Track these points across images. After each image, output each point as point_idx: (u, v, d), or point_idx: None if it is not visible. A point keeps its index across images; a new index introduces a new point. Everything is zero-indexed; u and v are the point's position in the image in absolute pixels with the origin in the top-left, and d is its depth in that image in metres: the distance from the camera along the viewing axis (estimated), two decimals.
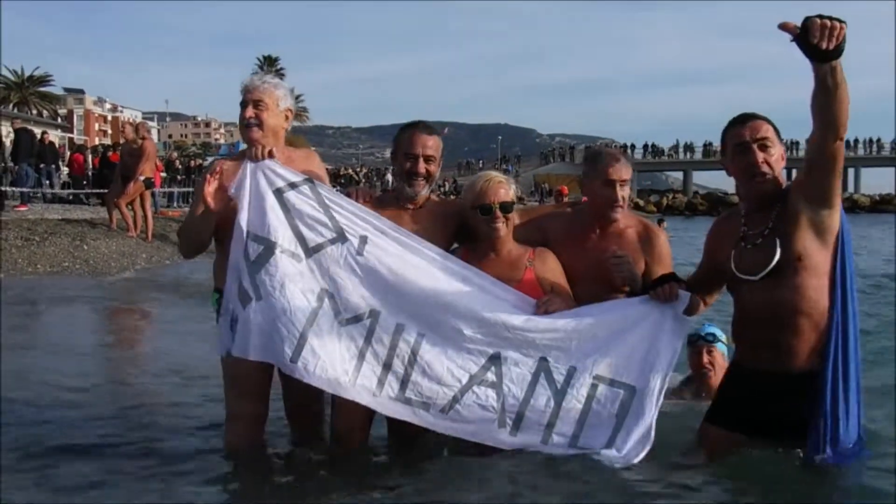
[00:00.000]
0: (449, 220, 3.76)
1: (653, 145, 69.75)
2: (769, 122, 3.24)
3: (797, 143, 52.16)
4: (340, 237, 3.45)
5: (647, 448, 3.31)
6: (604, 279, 3.57)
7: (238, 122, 3.79)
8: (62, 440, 4.05)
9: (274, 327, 3.33)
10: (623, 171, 3.63)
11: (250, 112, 3.67)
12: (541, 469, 3.28)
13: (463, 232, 3.76)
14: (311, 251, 3.44)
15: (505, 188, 3.59)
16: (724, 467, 3.32)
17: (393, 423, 3.61)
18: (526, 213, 3.87)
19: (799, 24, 2.72)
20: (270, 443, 3.88)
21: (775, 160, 3.19)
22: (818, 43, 2.69)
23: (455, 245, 3.77)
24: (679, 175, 79.01)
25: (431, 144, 3.67)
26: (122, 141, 16.83)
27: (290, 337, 3.32)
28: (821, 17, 2.69)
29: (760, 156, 3.16)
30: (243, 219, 3.43)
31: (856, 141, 66.30)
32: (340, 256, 3.43)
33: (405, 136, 3.70)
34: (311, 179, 3.53)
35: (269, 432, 3.85)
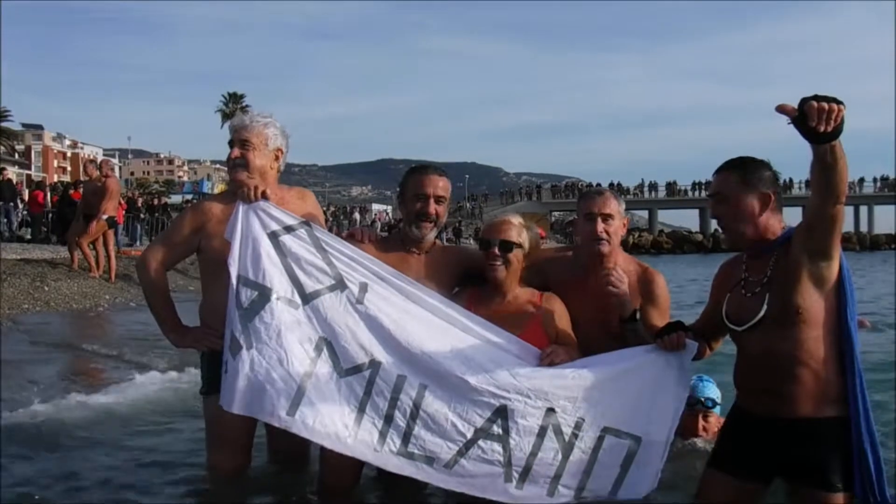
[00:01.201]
0: (454, 267, 3.70)
1: (618, 184, 70.71)
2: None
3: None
4: (339, 284, 3.30)
5: (648, 490, 3.33)
6: (602, 322, 3.54)
7: (215, 160, 3.62)
8: None
9: (269, 379, 3.16)
10: (603, 204, 3.61)
11: (236, 152, 3.59)
12: None
13: (470, 278, 3.68)
14: (308, 298, 3.28)
15: (514, 229, 3.52)
16: None
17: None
18: (527, 258, 3.75)
19: (797, 105, 2.68)
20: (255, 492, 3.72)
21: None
22: (816, 126, 2.66)
23: (457, 288, 3.68)
24: (644, 214, 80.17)
25: (442, 185, 3.62)
26: (83, 178, 16.40)
27: (287, 389, 3.15)
28: (817, 98, 2.65)
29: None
30: (234, 263, 3.26)
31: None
32: (340, 304, 3.28)
33: (416, 177, 3.63)
34: (307, 222, 3.39)
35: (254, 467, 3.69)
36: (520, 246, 3.51)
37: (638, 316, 3.45)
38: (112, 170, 14.10)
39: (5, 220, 20.98)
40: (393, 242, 3.72)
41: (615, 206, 3.63)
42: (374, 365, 3.24)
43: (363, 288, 3.30)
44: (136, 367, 7.19)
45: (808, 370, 3.04)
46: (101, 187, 13.14)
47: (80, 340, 8.83)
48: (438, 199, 3.59)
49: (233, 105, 74.71)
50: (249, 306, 3.23)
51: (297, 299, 3.27)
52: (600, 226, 3.57)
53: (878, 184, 68.07)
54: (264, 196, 3.37)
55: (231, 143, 3.62)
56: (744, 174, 3.18)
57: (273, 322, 3.20)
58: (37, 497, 3.67)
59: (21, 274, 12.32)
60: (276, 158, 3.67)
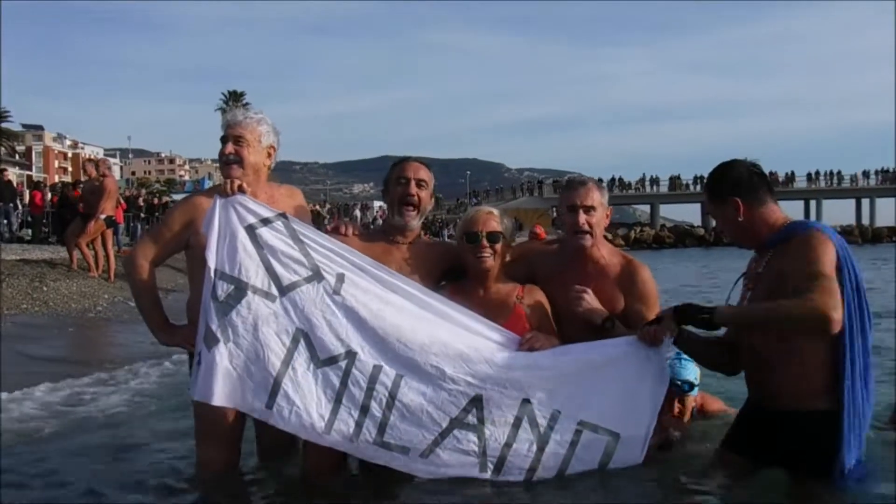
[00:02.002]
0: (438, 259, 3.72)
1: (620, 179, 70.56)
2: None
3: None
4: (316, 275, 3.34)
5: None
6: (584, 317, 3.53)
7: (217, 158, 3.67)
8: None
9: (247, 372, 3.23)
10: (586, 195, 3.57)
11: (230, 148, 3.58)
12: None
13: (453, 274, 3.71)
14: (285, 290, 3.32)
15: (494, 219, 3.57)
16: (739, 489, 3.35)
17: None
18: (513, 250, 3.76)
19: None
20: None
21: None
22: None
23: (443, 283, 3.70)
24: (646, 208, 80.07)
25: (423, 172, 3.67)
26: (83, 178, 16.33)
27: (264, 382, 3.23)
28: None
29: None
30: (211, 257, 3.31)
31: (817, 173, 67.82)
32: (316, 295, 3.32)
33: (397, 166, 3.72)
34: (284, 215, 3.42)
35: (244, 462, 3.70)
36: (504, 235, 3.55)
37: (609, 325, 3.45)
38: (109, 169, 14.06)
39: (5, 222, 20.90)
40: (377, 234, 3.76)
41: (597, 198, 3.58)
42: (351, 356, 3.26)
43: (340, 279, 3.32)
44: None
45: (789, 366, 3.07)
46: (98, 187, 13.12)
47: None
48: (419, 183, 3.63)
49: (233, 103, 74.62)
50: (225, 300, 3.26)
51: (274, 291, 3.29)
52: (582, 217, 3.54)
53: (880, 177, 67.89)
54: (241, 190, 3.39)
55: (224, 139, 3.59)
56: (710, 191, 3.32)
57: (249, 316, 3.24)
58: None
59: (20, 274, 12.31)
60: (269, 156, 3.67)
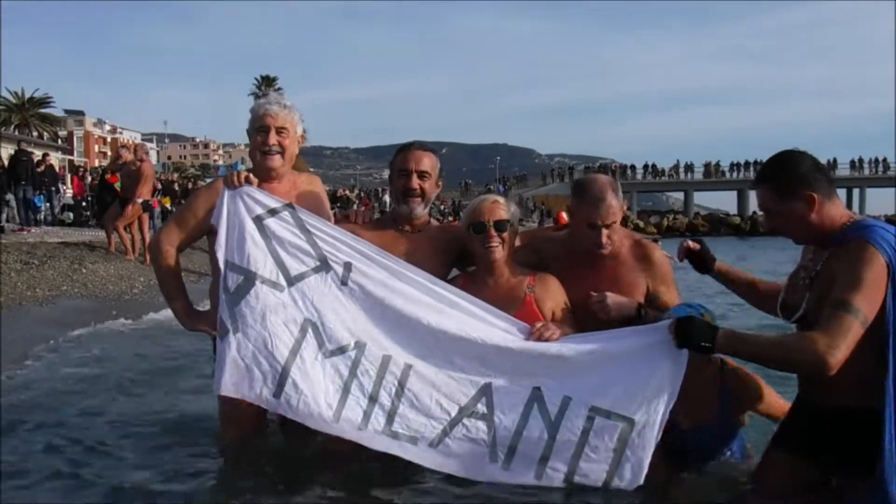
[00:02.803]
0: (448, 245, 3.67)
1: (653, 165, 69.60)
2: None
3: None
4: (324, 265, 3.36)
5: (640, 481, 3.19)
6: (617, 318, 3.41)
7: (253, 147, 3.67)
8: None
9: (255, 361, 3.26)
10: (607, 213, 3.40)
11: (273, 139, 3.60)
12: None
13: (464, 259, 3.68)
14: (293, 280, 3.35)
15: (501, 208, 3.50)
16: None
17: None
18: (523, 236, 3.73)
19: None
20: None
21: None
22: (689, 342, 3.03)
23: (455, 272, 3.68)
24: (680, 195, 78.92)
25: (426, 161, 3.62)
26: (111, 162, 16.69)
27: (272, 371, 3.25)
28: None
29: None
30: (221, 248, 3.35)
31: (860, 160, 66.33)
32: (324, 285, 3.34)
33: (400, 154, 3.67)
34: (291, 205, 3.44)
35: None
36: (511, 223, 3.50)
37: (644, 313, 3.37)
38: (147, 154, 14.41)
39: (48, 205, 21.44)
40: (386, 222, 3.75)
41: (616, 207, 3.43)
42: (360, 346, 3.29)
43: (347, 268, 3.34)
44: None
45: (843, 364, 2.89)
46: (135, 171, 13.40)
47: None
48: (422, 175, 3.59)
49: (265, 88, 75.11)
50: (235, 290, 3.29)
51: (282, 282, 3.32)
52: (605, 236, 3.43)
53: (871, 167, 66.19)
54: (248, 181, 3.41)
55: (264, 129, 3.59)
56: (777, 185, 3.05)
57: (258, 305, 3.27)
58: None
59: (61, 257, 12.65)
60: (298, 143, 3.71)
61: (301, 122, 3.70)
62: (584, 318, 3.47)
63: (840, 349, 2.75)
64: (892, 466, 2.85)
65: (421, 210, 3.64)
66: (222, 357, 3.26)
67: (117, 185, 14.38)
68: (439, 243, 3.65)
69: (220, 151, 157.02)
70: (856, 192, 65.57)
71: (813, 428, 3.09)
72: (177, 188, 28.88)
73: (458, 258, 3.69)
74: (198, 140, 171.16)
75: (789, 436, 3.25)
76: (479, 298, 3.37)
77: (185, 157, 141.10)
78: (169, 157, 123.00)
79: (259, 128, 3.61)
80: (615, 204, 3.43)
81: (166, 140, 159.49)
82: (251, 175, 3.45)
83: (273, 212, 3.38)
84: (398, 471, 3.36)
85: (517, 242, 3.58)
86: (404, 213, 3.63)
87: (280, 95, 3.78)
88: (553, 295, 3.50)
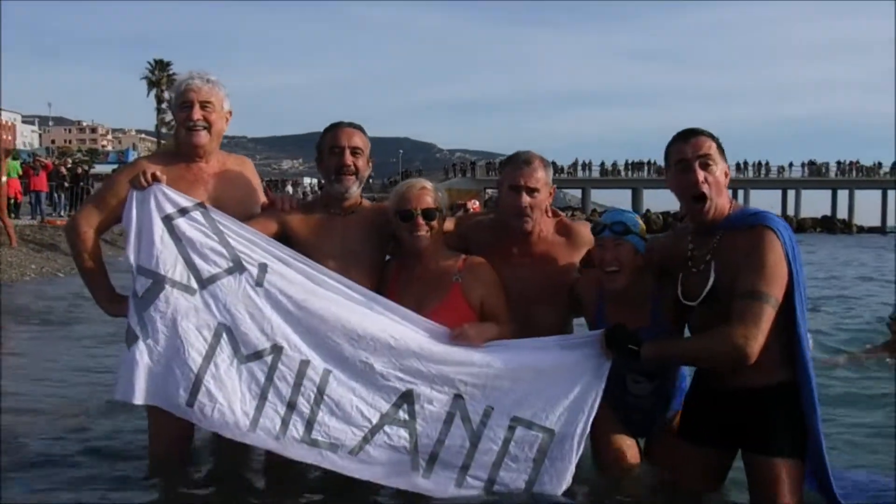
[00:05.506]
0: (382, 227, 3.54)
1: (553, 163, 70.86)
2: (713, 138, 3.13)
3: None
4: (237, 266, 3.22)
5: (560, 491, 3.21)
6: (527, 294, 3.45)
7: (178, 124, 3.49)
8: None
9: (168, 369, 3.11)
10: (531, 176, 3.37)
11: (198, 114, 3.42)
12: None
13: (398, 240, 3.55)
14: (205, 283, 3.20)
15: (429, 194, 3.40)
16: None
17: None
18: (449, 222, 3.64)
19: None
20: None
21: (715, 180, 3.08)
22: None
23: (388, 258, 3.60)
24: (577, 193, 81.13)
25: (357, 138, 3.52)
26: None
27: (185, 379, 3.10)
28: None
29: (701, 174, 3.06)
30: (131, 252, 3.18)
31: (745, 163, 69.91)
32: (238, 287, 3.21)
33: (330, 132, 3.55)
34: (203, 204, 3.29)
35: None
36: (440, 210, 3.40)
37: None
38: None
39: None
40: (315, 206, 3.62)
41: (543, 178, 3.42)
42: (276, 350, 3.16)
43: (263, 269, 3.22)
44: None
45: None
46: None
47: None
48: (355, 151, 3.48)
49: (159, 72, 72.31)
50: (144, 295, 3.16)
51: (194, 285, 3.19)
52: (525, 199, 3.37)
53: (805, 169, 70.41)
54: (155, 179, 3.24)
55: (187, 104, 3.42)
56: (718, 143, 3.12)
57: (168, 310, 3.14)
58: None
59: None
60: (226, 121, 3.57)
61: (227, 99, 3.55)
62: (519, 302, 3.42)
63: (757, 338, 2.87)
64: (820, 436, 2.99)
65: (355, 189, 3.51)
66: (131, 365, 3.10)
67: None
68: (373, 226, 3.53)
69: (109, 136, 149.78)
70: (740, 192, 69.19)
71: (717, 413, 3.16)
72: (65, 174, 27.09)
73: (392, 238, 3.57)
74: (85, 124, 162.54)
75: (695, 426, 3.29)
76: (408, 286, 3.35)
77: (70, 141, 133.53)
78: (53, 142, 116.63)
79: (182, 103, 3.44)
80: (542, 176, 3.41)
81: (50, 123, 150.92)
82: (158, 173, 3.26)
83: (183, 211, 3.23)
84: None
85: (450, 226, 3.52)
86: (337, 193, 3.50)
87: (204, 71, 3.58)
88: (483, 281, 3.40)
